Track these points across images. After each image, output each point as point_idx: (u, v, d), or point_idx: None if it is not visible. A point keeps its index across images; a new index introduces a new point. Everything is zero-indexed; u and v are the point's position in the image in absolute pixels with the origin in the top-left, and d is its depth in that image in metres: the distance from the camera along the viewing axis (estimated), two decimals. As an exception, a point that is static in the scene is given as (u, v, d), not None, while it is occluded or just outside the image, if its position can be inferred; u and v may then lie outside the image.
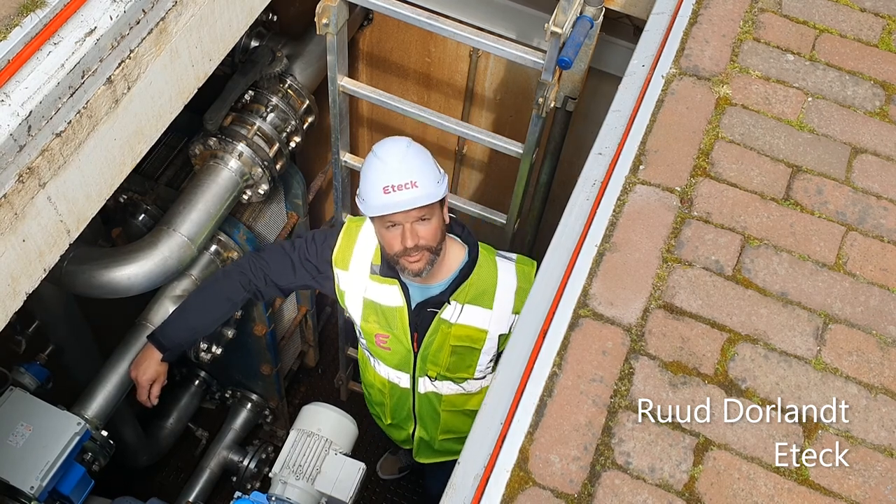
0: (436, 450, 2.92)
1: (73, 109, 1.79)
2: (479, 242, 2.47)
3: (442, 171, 2.32)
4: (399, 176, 2.20)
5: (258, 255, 2.64)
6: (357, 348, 2.93)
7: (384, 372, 2.67)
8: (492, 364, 2.57)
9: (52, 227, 1.85)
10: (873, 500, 1.64)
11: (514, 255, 2.50)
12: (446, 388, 2.63)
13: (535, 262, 2.47)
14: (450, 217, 2.42)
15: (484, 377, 2.62)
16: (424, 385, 2.63)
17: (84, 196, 1.92)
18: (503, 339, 2.48)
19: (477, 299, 2.42)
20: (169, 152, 3.24)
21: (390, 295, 2.45)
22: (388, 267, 2.40)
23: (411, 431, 2.88)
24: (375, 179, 2.21)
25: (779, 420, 1.72)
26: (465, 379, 2.60)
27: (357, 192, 2.32)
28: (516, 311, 2.42)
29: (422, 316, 2.45)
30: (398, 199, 2.19)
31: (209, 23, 2.16)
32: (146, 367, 2.61)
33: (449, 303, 2.40)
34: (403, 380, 2.65)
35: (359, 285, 2.48)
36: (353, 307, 2.53)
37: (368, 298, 2.48)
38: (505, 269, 2.44)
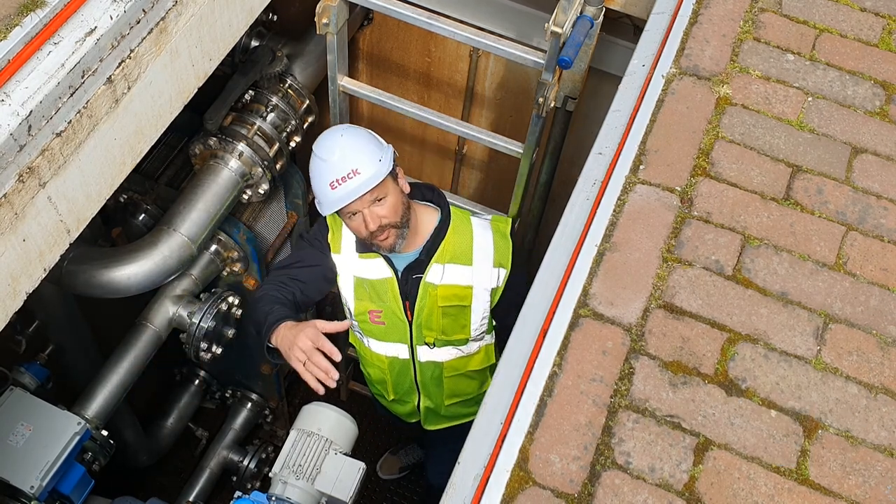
0: (443, 415, 2.95)
1: (73, 109, 1.79)
2: (450, 204, 2.54)
3: (384, 145, 2.36)
4: (340, 168, 2.26)
5: (269, 279, 2.58)
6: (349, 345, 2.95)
7: (381, 348, 2.70)
8: (485, 323, 2.61)
9: (52, 227, 1.85)
10: (873, 500, 1.64)
11: (488, 216, 2.61)
12: (445, 353, 2.67)
13: (510, 219, 2.63)
14: (420, 183, 2.50)
15: (481, 338, 2.68)
16: (423, 354, 2.67)
17: (84, 196, 1.92)
18: (494, 293, 2.54)
19: (456, 258, 2.49)
20: (169, 152, 3.24)
21: (377, 268, 2.52)
22: (366, 246, 2.48)
23: (416, 403, 2.91)
24: (320, 178, 2.30)
25: (779, 420, 1.72)
26: (463, 340, 2.65)
27: (313, 196, 2.39)
28: (499, 265, 2.50)
29: (410, 284, 2.51)
30: (345, 190, 2.26)
31: (209, 22, 2.15)
32: (296, 333, 2.19)
33: (431, 265, 2.46)
34: (402, 352, 2.68)
35: (350, 265, 2.55)
36: (346, 287, 2.59)
37: (359, 276, 2.55)
38: (479, 226, 2.53)
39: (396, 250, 2.41)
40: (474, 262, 2.49)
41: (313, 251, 2.58)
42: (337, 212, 2.36)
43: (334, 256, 2.56)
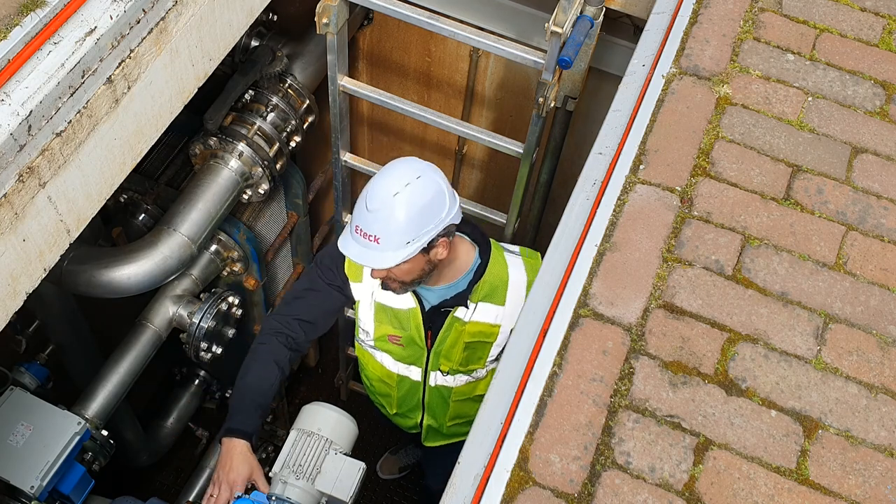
0: (444, 434, 2.94)
1: (73, 109, 1.79)
2: (490, 240, 2.45)
3: (434, 219, 2.15)
4: (368, 223, 2.13)
5: (280, 313, 2.56)
6: (354, 345, 2.94)
7: (393, 366, 2.67)
8: (500, 352, 2.57)
9: (52, 227, 1.85)
10: (873, 500, 1.64)
11: (516, 248, 2.50)
12: (457, 380, 2.65)
13: (539, 254, 2.46)
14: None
15: (493, 363, 2.64)
16: (436, 379, 2.65)
17: (84, 196, 1.92)
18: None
19: (489, 296, 2.42)
20: (169, 152, 3.24)
21: (402, 298, 2.45)
22: None
23: (419, 420, 2.90)
24: (356, 209, 2.18)
25: (779, 420, 1.72)
26: (476, 369, 2.62)
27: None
28: None
29: (436, 315, 2.46)
30: (355, 249, 2.17)
31: (209, 22, 2.15)
32: (237, 465, 2.28)
33: (466, 306, 2.41)
34: (415, 374, 2.66)
35: (371, 292, 2.49)
36: (366, 313, 2.54)
37: (380, 302, 2.49)
38: (514, 265, 2.44)
39: (406, 292, 2.34)
40: (507, 301, 2.42)
41: (328, 289, 2.50)
42: None
43: (353, 284, 2.49)
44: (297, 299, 2.54)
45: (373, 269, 2.25)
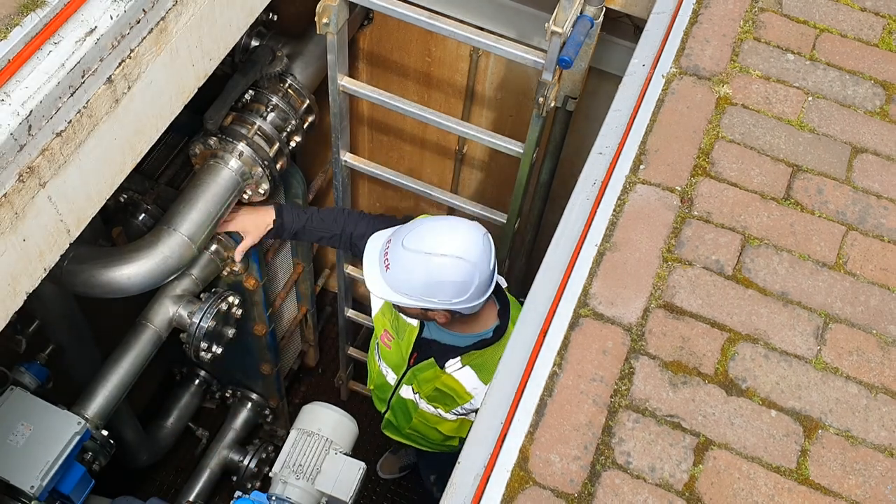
0: (402, 434, 2.96)
1: (73, 109, 1.79)
2: (510, 315, 2.40)
3: (436, 298, 2.14)
4: (395, 253, 2.14)
5: (370, 224, 2.66)
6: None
7: (378, 360, 2.73)
8: (472, 413, 2.56)
9: (52, 227, 1.85)
10: (873, 500, 1.64)
11: None
12: (425, 405, 2.66)
13: None
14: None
15: (465, 414, 2.62)
16: (407, 392, 2.67)
17: (84, 195, 1.92)
18: None
19: (480, 368, 2.41)
20: (169, 152, 3.24)
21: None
22: None
23: (384, 410, 2.93)
24: (405, 226, 2.18)
25: (779, 420, 1.72)
26: (443, 409, 2.62)
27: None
28: None
29: (425, 348, 2.47)
30: (371, 255, 2.23)
31: (209, 22, 2.15)
32: (248, 222, 2.70)
33: (455, 360, 2.41)
34: (391, 377, 2.69)
35: None
36: (376, 302, 2.60)
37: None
38: None
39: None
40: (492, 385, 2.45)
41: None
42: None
43: None
44: (377, 224, 2.61)
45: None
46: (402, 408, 2.75)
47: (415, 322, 2.45)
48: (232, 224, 2.74)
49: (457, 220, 2.19)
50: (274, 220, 2.72)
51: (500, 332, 2.39)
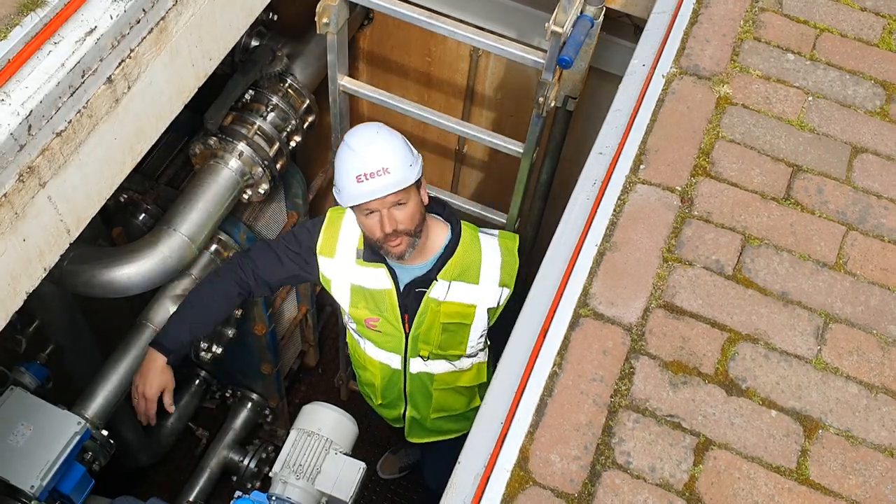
0: (427, 429, 2.94)
1: (73, 109, 1.79)
2: (461, 220, 2.50)
3: (415, 153, 2.32)
4: (371, 163, 2.22)
5: (246, 255, 2.66)
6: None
7: (374, 353, 2.69)
8: (482, 340, 2.58)
9: (52, 227, 1.85)
10: (873, 499, 1.64)
11: (496, 231, 2.55)
12: (438, 366, 2.65)
13: (518, 236, 2.56)
14: (429, 196, 2.44)
15: (475, 355, 2.65)
16: (416, 366, 2.65)
17: (84, 195, 1.92)
18: (492, 313, 2.51)
19: (463, 275, 2.45)
20: (169, 152, 3.24)
21: (378, 278, 2.47)
22: (374, 251, 2.43)
23: (402, 411, 2.90)
24: (348, 169, 2.24)
25: (779, 420, 1.72)
26: (457, 356, 2.63)
27: (333, 183, 2.35)
28: (503, 285, 2.46)
29: (410, 297, 2.47)
30: (371, 186, 2.22)
31: (209, 22, 2.15)
32: (152, 378, 2.53)
33: (437, 281, 2.43)
34: (395, 361, 2.67)
35: (346, 271, 2.51)
36: (341, 294, 2.56)
37: (356, 284, 2.51)
38: (488, 245, 2.48)
39: (405, 258, 2.37)
40: (481, 280, 2.45)
41: (296, 257, 2.55)
42: (354, 207, 2.30)
43: (324, 260, 2.51)
44: (267, 255, 2.61)
45: (389, 217, 2.27)
46: (419, 389, 2.74)
47: (386, 283, 2.46)
48: (152, 393, 2.54)
49: (349, 131, 2.34)
50: (165, 355, 2.54)
51: (457, 235, 2.46)
